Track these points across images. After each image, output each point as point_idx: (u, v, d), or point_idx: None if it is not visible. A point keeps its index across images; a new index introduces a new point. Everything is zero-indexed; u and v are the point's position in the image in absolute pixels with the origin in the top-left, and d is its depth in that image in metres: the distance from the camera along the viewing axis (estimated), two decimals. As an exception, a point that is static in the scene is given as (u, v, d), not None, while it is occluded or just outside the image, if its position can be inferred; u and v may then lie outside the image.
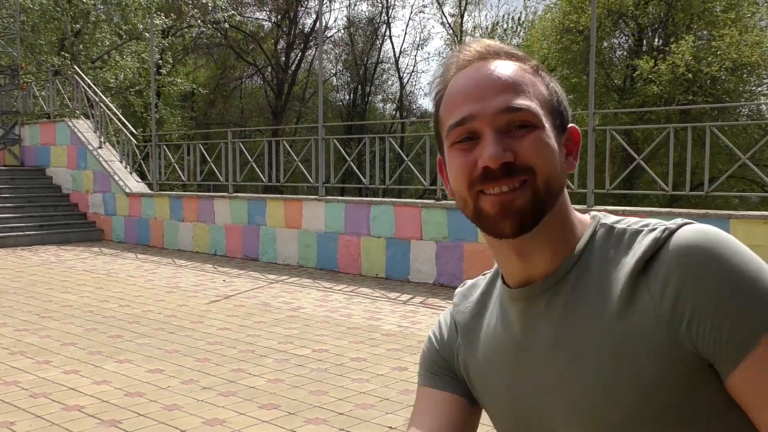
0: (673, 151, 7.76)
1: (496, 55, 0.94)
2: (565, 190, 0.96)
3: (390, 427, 4.00)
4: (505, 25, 32.54)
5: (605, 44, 20.62)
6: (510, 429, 1.00)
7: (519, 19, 32.19)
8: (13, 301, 7.74)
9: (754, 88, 19.42)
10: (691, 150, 7.50)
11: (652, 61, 18.00)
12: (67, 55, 20.23)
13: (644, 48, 20.49)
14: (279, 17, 32.35)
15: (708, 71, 17.18)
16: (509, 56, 0.95)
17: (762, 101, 19.12)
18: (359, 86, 36.08)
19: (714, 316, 0.79)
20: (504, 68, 0.92)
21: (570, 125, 0.98)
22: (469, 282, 1.17)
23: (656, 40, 20.68)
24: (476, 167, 0.89)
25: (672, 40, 18.63)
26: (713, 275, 0.80)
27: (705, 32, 18.93)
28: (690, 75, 17.23)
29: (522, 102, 0.89)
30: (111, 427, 3.99)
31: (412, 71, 42.51)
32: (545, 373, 0.92)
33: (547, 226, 0.91)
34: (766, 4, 19.78)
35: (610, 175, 8.19)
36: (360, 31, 35.86)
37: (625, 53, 21.35)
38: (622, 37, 21.64)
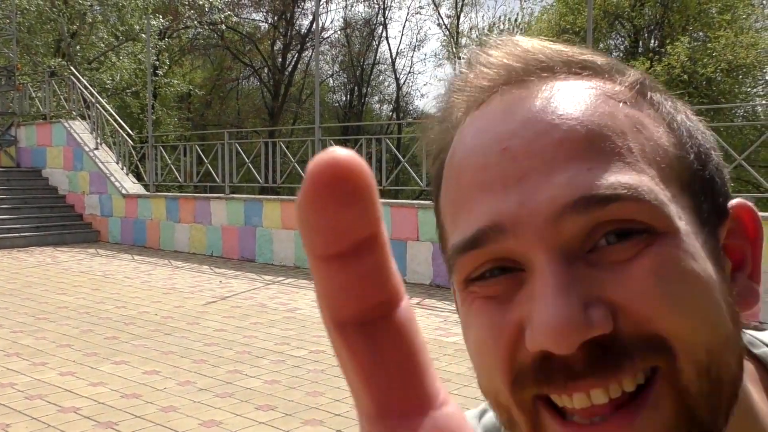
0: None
1: (547, 70, 0.45)
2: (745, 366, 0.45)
3: (386, 429, 4.00)
4: (501, 26, 32.62)
5: (601, 45, 20.65)
6: None
7: (515, 20, 32.28)
8: (9, 302, 7.72)
9: (749, 89, 19.48)
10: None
11: (648, 62, 18.04)
12: (63, 60, 20.21)
13: (640, 49, 20.53)
14: (276, 18, 32.37)
15: (704, 72, 17.23)
16: (574, 69, 0.46)
17: (757, 102, 19.18)
18: (356, 87, 36.10)
19: None
20: (567, 102, 0.43)
21: (734, 202, 0.48)
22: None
23: (652, 41, 20.73)
24: (521, 340, 0.42)
25: (668, 41, 18.68)
26: None
27: (701, 34, 18.99)
28: (686, 76, 17.27)
29: (617, 179, 0.40)
30: (107, 428, 3.98)
31: (409, 72, 42.59)
32: None
33: None
34: (761, 6, 19.84)
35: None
36: (357, 32, 35.89)
37: (621, 55, 21.40)
38: (618, 39, 21.69)
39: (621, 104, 0.43)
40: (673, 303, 0.39)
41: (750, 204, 0.48)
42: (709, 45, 17.64)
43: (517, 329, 0.41)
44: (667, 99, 0.49)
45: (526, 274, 0.41)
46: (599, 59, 0.47)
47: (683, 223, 0.41)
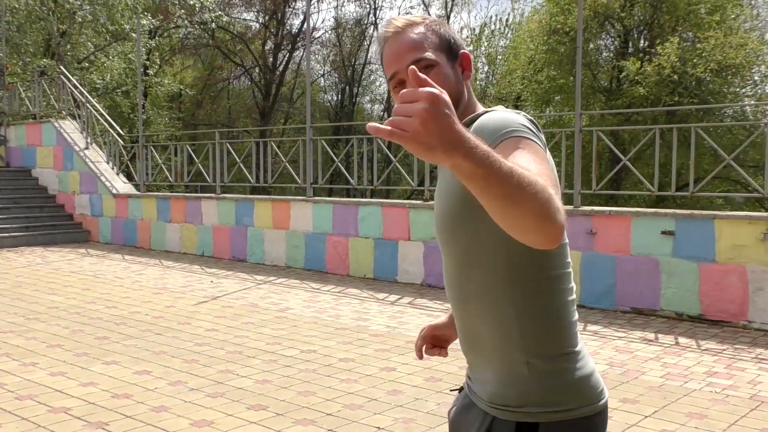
0: (659, 151, 7.82)
1: (405, 28, 1.49)
2: (468, 94, 1.53)
3: (378, 428, 4.01)
4: (492, 27, 32.67)
5: (591, 46, 20.73)
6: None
7: (507, 20, 32.33)
8: (-1, 302, 7.69)
9: (738, 89, 19.58)
10: (677, 151, 7.56)
11: (639, 62, 18.12)
12: (52, 60, 20.10)
13: (630, 50, 20.61)
14: (266, 18, 32.29)
15: (693, 73, 17.31)
16: (412, 25, 1.50)
17: (746, 103, 19.29)
18: (347, 87, 36.06)
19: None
20: (408, 37, 1.48)
21: (461, 51, 1.52)
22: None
23: (642, 41, 20.81)
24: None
25: (658, 42, 18.76)
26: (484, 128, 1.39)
27: (690, 34, 19.08)
28: (675, 76, 17.35)
29: (420, 54, 1.46)
30: (98, 429, 3.97)
31: (401, 72, 42.47)
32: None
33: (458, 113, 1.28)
34: (749, 7, 19.96)
35: (597, 176, 8.24)
36: (348, 32, 35.85)
37: (612, 55, 21.48)
38: (608, 39, 21.76)
39: (422, 32, 1.48)
40: (440, 81, 1.40)
41: (466, 51, 1.52)
42: (698, 45, 17.73)
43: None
44: (438, 25, 1.53)
45: (406, 84, 1.42)
46: (418, 19, 1.51)
47: (442, 61, 1.48)
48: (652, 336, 6.26)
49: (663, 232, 6.99)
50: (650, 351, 5.75)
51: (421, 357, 1.84)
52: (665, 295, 7.00)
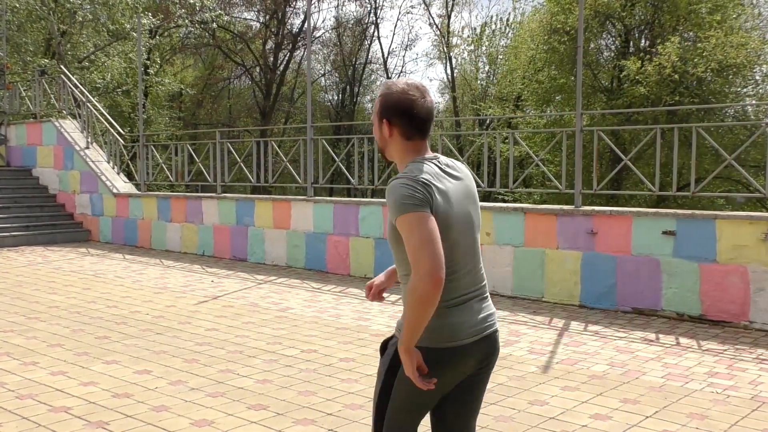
0: (660, 151, 7.81)
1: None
2: (393, 143, 2.32)
3: (379, 427, 4.00)
4: (493, 26, 32.66)
5: (592, 45, 20.71)
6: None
7: (507, 20, 32.32)
8: (-1, 302, 7.69)
9: (739, 89, 19.55)
10: (678, 151, 7.55)
11: (639, 62, 18.10)
12: (53, 59, 20.11)
13: (631, 49, 20.59)
14: (267, 17, 32.29)
15: (694, 72, 17.29)
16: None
17: (747, 102, 19.27)
18: (348, 87, 36.06)
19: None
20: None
21: (383, 119, 2.28)
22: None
23: (643, 41, 20.79)
24: None
25: (658, 41, 18.74)
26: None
27: (691, 34, 19.05)
28: (676, 76, 17.32)
29: (372, 117, 2.28)
30: (98, 428, 3.97)
31: (401, 72, 42.43)
32: None
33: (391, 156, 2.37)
34: (750, 6, 19.93)
35: (597, 176, 8.23)
36: (348, 31, 35.85)
37: (612, 54, 21.46)
38: (608, 39, 21.73)
39: (376, 101, 2.34)
40: (374, 132, 2.39)
41: (393, 119, 2.30)
42: (699, 45, 17.70)
43: None
44: (380, 97, 2.32)
45: None
46: (380, 91, 2.35)
47: (377, 120, 2.31)
48: (653, 336, 6.25)
49: (664, 232, 6.98)
50: (651, 351, 5.75)
51: (372, 300, 2.71)
52: (666, 296, 6.99)
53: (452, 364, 2.25)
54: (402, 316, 2.25)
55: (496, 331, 2.40)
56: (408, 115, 2.23)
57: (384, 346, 2.47)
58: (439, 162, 2.29)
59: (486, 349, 2.35)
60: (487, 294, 2.42)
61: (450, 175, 2.28)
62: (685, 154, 13.00)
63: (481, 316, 2.33)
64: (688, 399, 4.54)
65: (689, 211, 7.04)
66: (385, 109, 2.24)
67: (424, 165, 2.22)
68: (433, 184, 2.16)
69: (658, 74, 17.41)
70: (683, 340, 6.10)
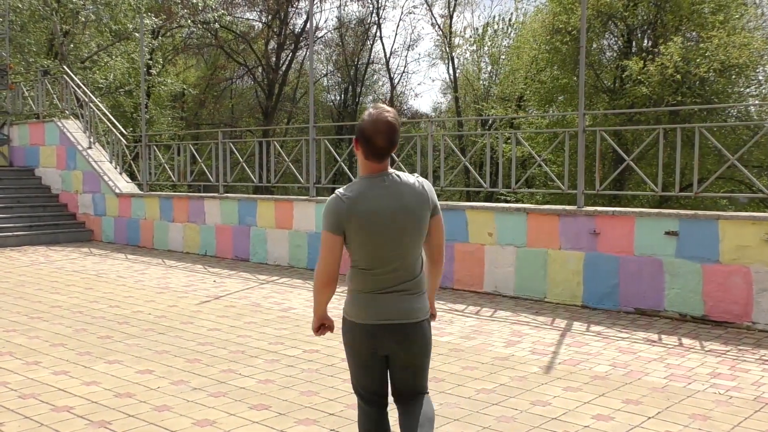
0: (663, 152, 7.80)
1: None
2: (360, 158, 2.83)
3: (381, 428, 4.00)
4: (496, 26, 32.64)
5: (595, 45, 20.68)
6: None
7: (510, 20, 32.30)
8: (2, 301, 7.69)
9: (742, 89, 19.51)
10: (681, 151, 7.54)
11: (642, 62, 18.07)
12: (55, 59, 20.14)
13: (633, 49, 20.57)
14: (269, 17, 32.29)
15: (697, 72, 17.26)
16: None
17: (750, 102, 19.24)
18: (350, 87, 36.06)
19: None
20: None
21: (356, 137, 2.80)
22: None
23: (645, 41, 20.76)
24: None
25: (661, 41, 18.70)
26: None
27: (693, 34, 19.02)
28: (679, 76, 17.30)
29: None
30: (100, 428, 3.97)
31: (403, 72, 42.53)
32: None
33: None
34: (753, 6, 19.90)
35: (600, 176, 8.22)
36: (350, 31, 35.85)
37: (615, 54, 21.43)
38: (611, 39, 21.71)
39: None
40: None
41: (359, 137, 2.82)
42: (701, 45, 17.67)
43: None
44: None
45: None
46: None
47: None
48: (655, 337, 6.24)
49: (666, 233, 6.97)
50: (653, 352, 5.74)
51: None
52: (669, 296, 6.98)
53: (359, 336, 2.90)
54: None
55: (410, 323, 2.85)
56: (369, 142, 2.75)
57: None
58: (384, 179, 2.82)
59: (395, 336, 2.85)
60: (414, 290, 2.87)
61: (388, 192, 2.79)
62: (688, 154, 12.98)
63: (395, 308, 2.84)
64: (691, 400, 4.54)
65: (692, 212, 7.03)
66: (357, 131, 2.78)
67: (363, 182, 2.83)
68: (354, 203, 2.76)
69: (661, 74, 17.39)
70: (686, 341, 6.09)
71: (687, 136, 13.11)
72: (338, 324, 2.99)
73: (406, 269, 2.83)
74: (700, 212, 6.98)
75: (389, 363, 2.97)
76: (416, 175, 2.95)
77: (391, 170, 2.86)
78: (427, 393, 3.13)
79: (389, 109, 2.80)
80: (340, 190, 2.82)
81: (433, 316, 3.07)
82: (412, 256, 2.84)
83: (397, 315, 2.84)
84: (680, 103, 17.14)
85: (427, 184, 2.90)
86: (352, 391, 4.65)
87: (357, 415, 3.20)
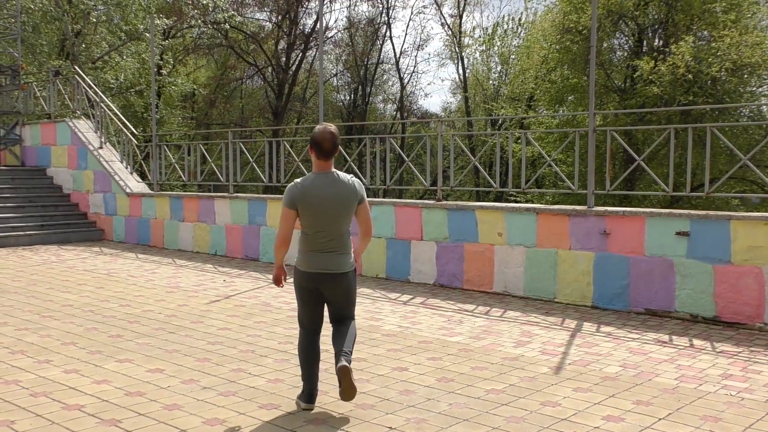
0: (674, 151, 7.76)
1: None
2: (313, 158, 4.21)
3: (390, 428, 4.00)
4: (505, 26, 32.57)
5: (605, 45, 20.61)
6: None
7: (519, 19, 32.23)
8: (14, 300, 7.74)
9: (754, 88, 19.38)
10: (692, 151, 7.49)
11: (653, 61, 17.99)
12: (67, 60, 20.25)
13: (644, 49, 20.47)
14: (279, 18, 32.35)
15: (708, 72, 17.17)
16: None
17: (763, 102, 19.10)
18: (360, 87, 36.08)
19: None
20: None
21: (309, 144, 4.22)
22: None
23: (656, 40, 20.67)
24: None
25: (672, 41, 18.61)
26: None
27: (705, 33, 18.91)
28: (690, 76, 17.21)
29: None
30: (111, 426, 3.99)
31: (413, 72, 42.48)
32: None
33: None
34: (766, 5, 19.76)
35: (610, 176, 8.19)
36: (360, 31, 35.86)
37: (626, 54, 21.34)
38: (622, 38, 21.62)
39: None
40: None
41: (312, 146, 4.31)
42: (713, 44, 17.57)
43: None
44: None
45: None
46: None
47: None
48: (666, 338, 6.21)
49: (677, 233, 6.94)
50: (664, 353, 5.71)
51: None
52: (680, 297, 6.95)
53: (305, 280, 4.33)
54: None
55: (338, 273, 4.28)
56: (319, 146, 4.16)
57: None
58: (326, 176, 4.21)
59: (328, 281, 4.28)
60: (341, 251, 4.29)
61: (328, 184, 4.19)
62: (699, 154, 12.90)
63: (328, 262, 4.27)
64: (702, 401, 4.51)
65: (703, 212, 6.99)
66: (311, 140, 4.19)
67: (313, 176, 4.21)
68: (304, 189, 4.19)
69: (672, 74, 17.30)
70: (697, 342, 6.06)
71: (698, 135, 13.03)
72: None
73: (337, 237, 4.24)
74: (711, 212, 6.94)
75: (325, 299, 4.36)
76: (351, 176, 4.28)
77: (334, 170, 4.24)
78: (354, 319, 4.47)
79: (332, 125, 4.19)
80: (297, 180, 4.23)
81: (356, 269, 4.43)
82: (342, 228, 4.26)
83: (329, 267, 4.25)
84: (692, 102, 17.04)
85: (358, 183, 4.28)
86: (362, 391, 4.66)
87: (298, 341, 4.49)
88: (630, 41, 21.17)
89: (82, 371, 5.07)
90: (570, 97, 22.04)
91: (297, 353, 4.48)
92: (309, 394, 4.31)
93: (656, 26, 20.37)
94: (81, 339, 6.04)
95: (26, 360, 5.37)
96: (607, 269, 7.41)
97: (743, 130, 18.03)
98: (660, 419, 4.17)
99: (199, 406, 4.35)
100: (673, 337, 6.21)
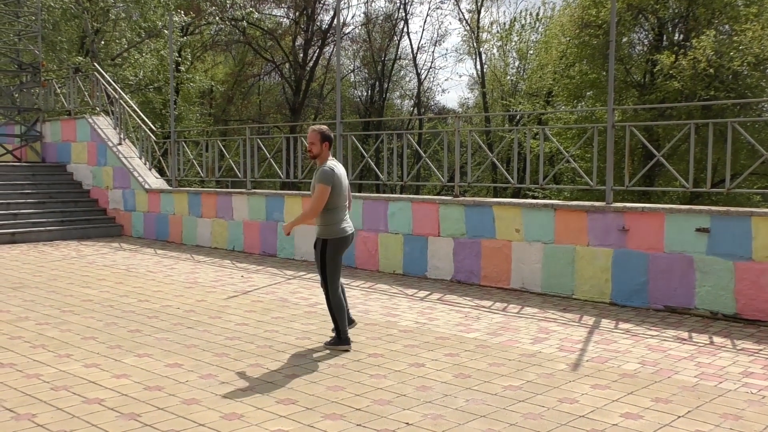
0: (694, 147, 7.67)
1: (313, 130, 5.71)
2: (324, 153, 5.63)
3: (407, 423, 4.00)
4: (523, 21, 32.38)
5: (624, 39, 20.41)
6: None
7: (537, 14, 32.02)
8: (35, 295, 7.83)
9: (777, 83, 19.10)
10: (713, 146, 7.41)
11: (673, 56, 17.79)
12: (86, 57, 20.41)
13: (664, 43, 20.25)
14: (297, 14, 32.40)
15: (730, 66, 16.95)
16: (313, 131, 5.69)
17: (785, 97, 18.82)
18: (377, 83, 36.06)
19: None
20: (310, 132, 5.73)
21: (324, 142, 5.65)
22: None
23: (677, 35, 20.44)
24: None
25: (693, 35, 18.39)
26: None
27: (726, 27, 18.67)
28: (712, 70, 16.99)
29: (312, 139, 5.66)
30: (130, 420, 4.03)
31: (430, 67, 42.42)
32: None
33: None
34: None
35: (629, 172, 8.11)
36: (378, 27, 35.83)
37: (645, 49, 21.13)
38: (641, 32, 21.40)
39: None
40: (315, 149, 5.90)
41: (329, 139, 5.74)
42: (735, 38, 17.34)
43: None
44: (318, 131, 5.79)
45: None
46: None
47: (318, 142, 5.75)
48: (685, 335, 6.16)
49: (698, 229, 6.87)
50: (684, 350, 5.66)
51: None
52: (699, 294, 6.88)
53: (344, 243, 5.63)
54: (317, 230, 5.66)
55: (353, 233, 5.72)
56: (331, 140, 5.67)
57: (316, 245, 5.65)
58: (335, 160, 5.68)
59: (349, 241, 5.67)
60: (348, 217, 5.71)
61: (342, 170, 5.67)
62: (720, 149, 12.75)
63: (351, 225, 5.71)
64: (722, 399, 4.47)
65: (724, 208, 6.91)
66: (326, 137, 5.61)
67: (335, 162, 5.64)
68: (336, 172, 5.55)
69: (693, 68, 17.10)
70: (717, 339, 6.00)
71: (719, 131, 12.88)
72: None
73: (348, 208, 5.74)
74: (732, 209, 6.86)
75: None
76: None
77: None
78: None
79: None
80: (332, 166, 5.54)
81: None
82: (348, 202, 5.79)
83: (352, 228, 5.73)
84: (713, 97, 16.84)
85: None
86: (379, 387, 4.67)
87: (335, 303, 5.58)
88: (650, 36, 20.96)
89: (101, 365, 5.12)
90: (588, 93, 21.86)
91: (333, 310, 5.58)
92: (347, 338, 5.60)
93: (676, 20, 20.14)
94: (101, 334, 6.10)
95: (47, 354, 5.43)
96: (625, 266, 7.35)
97: (765, 125, 17.79)
98: (679, 417, 4.14)
99: (217, 400, 4.37)
100: (693, 335, 6.15)
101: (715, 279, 6.77)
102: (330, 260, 5.52)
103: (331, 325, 5.86)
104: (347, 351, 5.51)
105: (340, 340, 5.60)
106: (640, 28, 21.03)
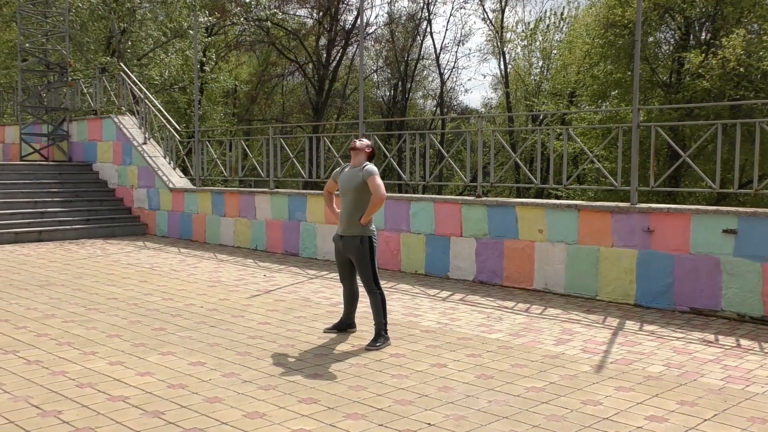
0: (721, 148, 7.56)
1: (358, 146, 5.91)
2: (362, 159, 5.87)
3: (428, 424, 3.99)
4: (547, 21, 32.18)
5: (651, 39, 20.19)
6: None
7: (562, 14, 31.80)
8: (61, 293, 7.93)
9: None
10: (740, 147, 7.30)
11: (702, 55, 17.55)
12: (113, 57, 20.65)
13: (691, 42, 20.00)
14: (320, 14, 32.49)
15: (759, 66, 16.69)
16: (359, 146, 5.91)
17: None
18: (400, 82, 36.04)
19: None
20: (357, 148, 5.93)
21: (368, 151, 5.93)
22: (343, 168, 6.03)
23: (704, 34, 20.17)
24: None
25: (721, 34, 18.14)
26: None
27: (755, 26, 18.39)
28: (741, 69, 16.73)
29: (363, 148, 5.93)
30: (154, 417, 4.06)
31: (453, 67, 42.22)
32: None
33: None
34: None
35: (654, 173, 8.01)
36: (401, 27, 35.81)
37: (671, 48, 20.88)
38: (668, 32, 21.15)
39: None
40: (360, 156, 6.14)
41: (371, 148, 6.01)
42: (765, 37, 17.07)
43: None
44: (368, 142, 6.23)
45: None
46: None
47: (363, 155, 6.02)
48: (711, 337, 6.07)
49: (724, 231, 6.77)
50: (710, 353, 5.58)
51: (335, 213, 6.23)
52: (726, 296, 6.78)
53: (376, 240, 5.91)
54: (349, 227, 5.83)
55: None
56: (374, 152, 5.99)
57: (350, 245, 5.83)
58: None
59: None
60: None
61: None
62: (748, 150, 12.56)
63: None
64: (749, 402, 4.40)
65: (751, 209, 6.80)
66: (372, 148, 5.93)
67: (374, 166, 5.84)
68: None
69: (722, 68, 16.85)
70: (744, 342, 5.91)
71: (748, 131, 12.69)
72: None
73: None
74: (760, 210, 6.75)
75: None
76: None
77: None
78: None
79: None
80: (374, 168, 5.75)
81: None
82: None
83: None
84: (742, 97, 16.59)
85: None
86: (400, 387, 4.66)
87: (380, 301, 5.81)
88: (676, 35, 20.71)
89: (126, 363, 5.17)
90: (613, 92, 21.66)
91: (384, 306, 5.80)
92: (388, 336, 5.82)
93: (704, 19, 19.88)
94: (125, 331, 6.16)
95: (73, 351, 5.50)
96: (650, 267, 7.27)
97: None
98: (705, 420, 4.08)
99: (239, 399, 4.40)
100: (719, 337, 6.07)
101: (742, 281, 6.67)
102: (373, 256, 5.77)
103: (365, 327, 5.94)
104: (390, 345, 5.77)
105: (387, 338, 5.77)
106: (667, 28, 20.79)
